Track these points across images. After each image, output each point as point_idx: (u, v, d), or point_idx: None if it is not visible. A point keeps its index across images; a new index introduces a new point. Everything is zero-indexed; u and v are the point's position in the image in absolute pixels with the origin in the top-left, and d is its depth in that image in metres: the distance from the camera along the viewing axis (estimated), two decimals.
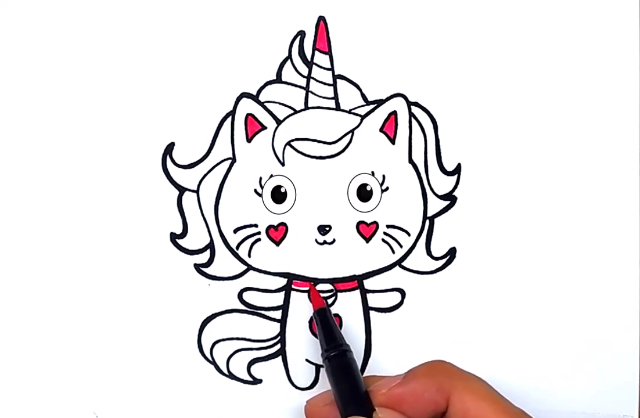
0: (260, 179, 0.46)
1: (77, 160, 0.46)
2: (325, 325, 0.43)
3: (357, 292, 0.47)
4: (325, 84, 0.46)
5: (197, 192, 0.46)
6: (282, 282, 0.46)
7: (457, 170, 0.47)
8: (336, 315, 0.46)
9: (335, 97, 0.47)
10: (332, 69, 0.46)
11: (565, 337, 0.47)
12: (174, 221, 0.46)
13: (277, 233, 0.46)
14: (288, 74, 0.46)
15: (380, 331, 0.46)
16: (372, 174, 0.47)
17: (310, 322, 0.46)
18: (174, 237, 0.46)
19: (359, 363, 0.46)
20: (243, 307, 0.46)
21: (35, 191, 0.46)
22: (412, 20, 0.47)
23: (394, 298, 0.47)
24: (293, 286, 0.46)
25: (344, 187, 0.46)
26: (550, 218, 0.47)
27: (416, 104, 0.47)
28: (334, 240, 0.46)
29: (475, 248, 0.47)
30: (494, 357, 0.46)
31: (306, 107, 0.47)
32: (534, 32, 0.47)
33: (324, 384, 0.44)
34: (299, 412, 0.43)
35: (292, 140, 0.46)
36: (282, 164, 0.46)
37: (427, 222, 0.47)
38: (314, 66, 0.46)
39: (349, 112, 0.47)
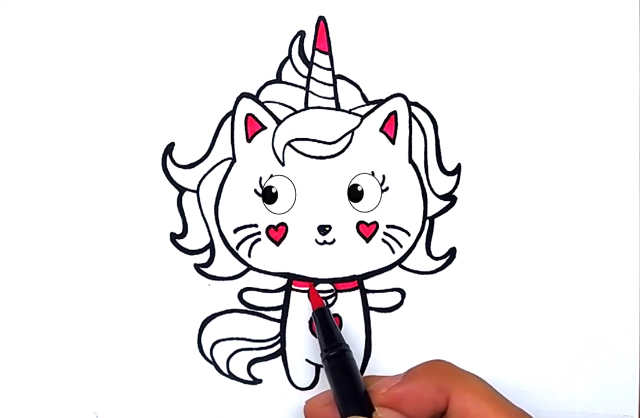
0: (260, 179, 0.46)
1: (77, 160, 0.46)
2: (324, 325, 0.43)
3: (357, 292, 0.47)
4: (325, 84, 0.46)
5: (197, 192, 0.46)
6: (282, 282, 0.46)
7: (457, 170, 0.47)
8: (336, 315, 0.46)
9: (335, 97, 0.47)
10: (332, 69, 0.46)
11: (565, 337, 0.47)
12: (174, 221, 0.46)
13: (277, 233, 0.46)
14: (288, 74, 0.46)
15: (380, 331, 0.46)
16: (372, 174, 0.47)
17: (310, 322, 0.46)
18: (174, 237, 0.46)
19: (359, 363, 0.46)
20: (243, 307, 0.46)
21: (35, 191, 0.46)
22: (412, 21, 0.47)
23: (394, 298, 0.47)
24: (293, 286, 0.46)
25: (344, 187, 0.46)
26: (550, 218, 0.47)
27: (416, 104, 0.47)
28: (334, 240, 0.46)
29: (475, 248, 0.47)
30: (494, 357, 0.46)
31: (306, 107, 0.47)
32: (534, 32, 0.47)
33: (324, 384, 0.44)
34: (299, 412, 0.43)
35: (292, 140, 0.46)
36: (282, 164, 0.46)
37: (427, 222, 0.47)
38: (314, 66, 0.46)
39: (349, 112, 0.47)
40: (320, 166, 0.46)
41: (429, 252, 0.47)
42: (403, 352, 0.46)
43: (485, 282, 0.47)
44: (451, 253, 0.47)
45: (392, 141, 0.47)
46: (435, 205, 0.47)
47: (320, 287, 0.46)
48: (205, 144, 0.46)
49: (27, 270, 0.46)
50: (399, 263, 0.47)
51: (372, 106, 0.47)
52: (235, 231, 0.46)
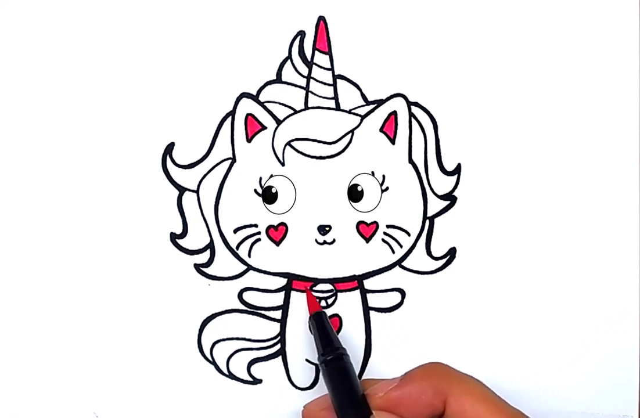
0: (260, 179, 0.46)
1: (77, 160, 0.46)
2: (322, 329, 0.43)
3: (357, 292, 0.47)
4: (325, 84, 0.46)
5: (197, 192, 0.46)
6: (282, 282, 0.46)
7: (457, 170, 0.47)
8: (336, 315, 0.46)
9: (335, 97, 0.47)
10: (332, 69, 0.46)
11: (565, 337, 0.47)
12: (174, 221, 0.46)
13: (277, 233, 0.46)
14: (288, 74, 0.46)
15: (380, 331, 0.46)
16: (372, 174, 0.47)
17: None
18: (174, 237, 0.46)
19: (359, 364, 0.46)
20: (243, 307, 0.46)
21: (35, 191, 0.46)
22: (412, 21, 0.47)
23: (394, 298, 0.47)
24: (293, 286, 0.46)
25: (344, 187, 0.46)
26: (550, 218, 0.47)
27: (416, 104, 0.47)
28: (334, 240, 0.46)
29: (475, 248, 0.47)
30: (493, 357, 0.46)
31: (306, 107, 0.47)
32: (534, 32, 0.47)
33: (324, 384, 0.44)
34: (298, 412, 0.43)
35: (292, 140, 0.46)
36: (282, 164, 0.46)
37: (427, 222, 0.47)
38: (314, 66, 0.46)
39: (349, 112, 0.47)
40: (320, 166, 0.46)
41: (429, 252, 0.47)
42: (403, 352, 0.46)
43: (485, 282, 0.47)
44: (451, 253, 0.47)
45: (392, 141, 0.47)
46: (435, 205, 0.47)
47: (320, 287, 0.46)
48: (205, 144, 0.46)
49: (27, 270, 0.46)
50: (399, 263, 0.47)
51: (372, 106, 0.47)
52: (235, 231, 0.46)
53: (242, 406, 0.46)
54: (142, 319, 0.46)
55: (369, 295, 0.47)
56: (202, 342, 0.46)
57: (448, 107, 0.47)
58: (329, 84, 0.46)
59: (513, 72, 0.47)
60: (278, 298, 0.46)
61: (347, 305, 0.47)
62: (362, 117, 0.47)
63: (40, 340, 0.46)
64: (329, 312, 0.46)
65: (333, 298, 0.46)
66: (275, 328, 0.46)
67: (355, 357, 0.46)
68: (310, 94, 0.46)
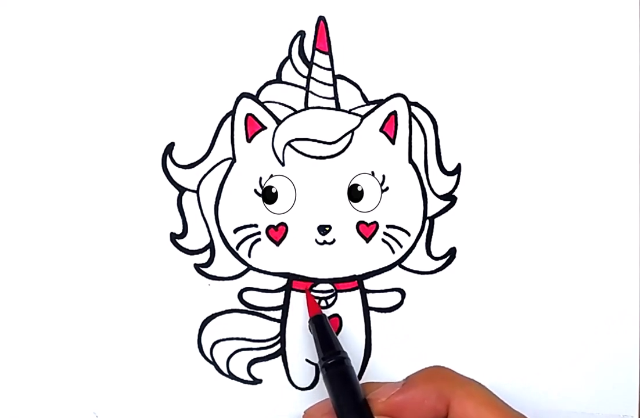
0: (260, 179, 0.46)
1: (77, 160, 0.46)
2: (322, 332, 0.43)
3: (357, 292, 0.47)
4: (325, 84, 0.46)
5: (197, 192, 0.46)
6: (282, 282, 0.46)
7: (457, 170, 0.47)
8: (336, 315, 0.46)
9: (335, 97, 0.47)
10: (332, 69, 0.46)
11: (565, 337, 0.47)
12: (174, 221, 0.46)
13: (277, 233, 0.46)
14: (288, 74, 0.46)
15: (380, 331, 0.46)
16: (372, 174, 0.47)
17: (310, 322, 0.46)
18: (174, 237, 0.46)
19: (359, 364, 0.46)
20: (243, 307, 0.46)
21: (35, 191, 0.46)
22: (412, 21, 0.47)
23: (394, 298, 0.47)
24: (293, 286, 0.46)
25: (344, 187, 0.46)
26: (550, 218, 0.47)
27: (416, 104, 0.47)
28: (334, 240, 0.46)
29: (475, 248, 0.47)
30: (493, 357, 0.46)
31: (306, 107, 0.47)
32: (534, 32, 0.47)
33: (324, 385, 0.44)
34: (298, 412, 0.43)
35: (292, 140, 0.46)
36: (282, 164, 0.46)
37: (427, 222, 0.47)
38: (314, 66, 0.46)
39: (349, 112, 0.47)
40: (320, 166, 0.46)
41: (429, 252, 0.47)
42: (403, 352, 0.46)
43: (485, 282, 0.47)
44: (451, 253, 0.47)
45: (392, 141, 0.47)
46: (435, 205, 0.47)
47: (320, 287, 0.46)
48: (205, 144, 0.46)
49: (27, 270, 0.46)
50: (399, 263, 0.47)
51: (372, 106, 0.47)
52: (235, 231, 0.46)
53: (242, 406, 0.46)
54: (142, 319, 0.46)
55: (369, 295, 0.47)
56: (202, 342, 0.46)
57: (448, 107, 0.47)
58: (329, 84, 0.46)
59: (513, 72, 0.47)
60: (278, 298, 0.46)
61: (347, 305, 0.47)
62: (362, 117, 0.47)
63: (40, 340, 0.46)
64: (329, 312, 0.46)
65: (333, 298, 0.46)
66: (275, 328, 0.46)
67: (356, 357, 0.46)
68: (310, 94, 0.46)
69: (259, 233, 0.46)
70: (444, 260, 0.47)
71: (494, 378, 0.44)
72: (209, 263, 0.46)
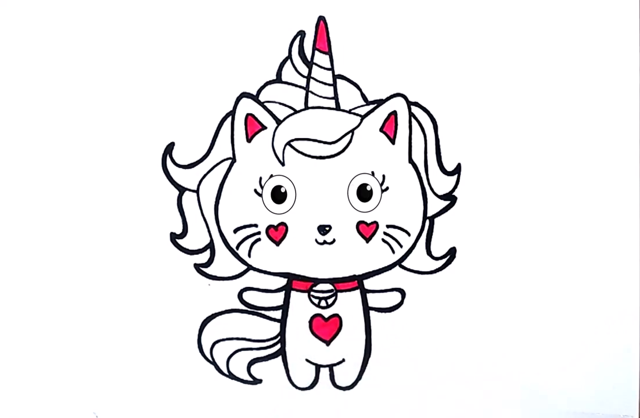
0: (260, 178, 0.46)
1: (77, 160, 0.46)
2: None
3: (357, 292, 0.47)
4: (325, 83, 0.46)
5: (197, 192, 0.46)
6: (282, 282, 0.46)
7: (457, 170, 0.47)
8: (336, 315, 0.46)
9: (335, 97, 0.46)
10: (332, 69, 0.46)
11: (565, 337, 0.47)
12: (174, 221, 0.46)
13: (277, 233, 0.46)
14: (288, 73, 0.46)
15: (380, 331, 0.46)
16: (372, 174, 0.47)
17: (310, 322, 0.46)
18: (174, 237, 0.46)
19: (359, 364, 0.46)
20: (243, 307, 0.46)
21: (35, 191, 0.46)
22: (412, 21, 0.47)
23: (394, 298, 0.47)
24: (293, 286, 0.46)
25: (344, 187, 0.46)
26: (550, 218, 0.47)
27: (416, 104, 0.47)
28: (334, 240, 0.46)
29: (475, 248, 0.47)
30: (493, 357, 0.46)
31: (306, 107, 0.46)
32: (534, 32, 0.47)
33: (324, 384, 0.44)
34: (299, 412, 0.43)
35: (292, 140, 0.46)
36: (282, 164, 0.46)
37: (427, 222, 0.47)
38: (314, 66, 0.46)
39: (349, 112, 0.47)
40: (320, 166, 0.46)
41: (429, 252, 0.47)
42: (403, 352, 0.46)
43: (485, 282, 0.47)
44: (451, 253, 0.47)
45: (392, 141, 0.47)
46: (435, 205, 0.47)
47: (320, 287, 0.46)
48: (205, 144, 0.46)
49: (28, 270, 0.46)
50: (399, 263, 0.47)
51: (372, 106, 0.47)
52: (235, 231, 0.46)
53: (242, 406, 0.46)
54: (142, 319, 0.46)
55: (369, 295, 0.47)
56: (202, 342, 0.46)
57: (448, 107, 0.47)
58: (329, 84, 0.46)
59: (513, 72, 0.47)
60: (278, 298, 0.46)
61: (347, 305, 0.46)
62: (362, 117, 0.47)
63: (41, 341, 0.46)
64: (329, 312, 0.46)
65: (333, 298, 0.46)
66: (275, 328, 0.46)
67: (356, 357, 0.46)
68: (310, 93, 0.46)
69: (259, 233, 0.46)
70: (444, 260, 0.47)
71: (494, 378, 0.44)
72: (209, 263, 0.46)
